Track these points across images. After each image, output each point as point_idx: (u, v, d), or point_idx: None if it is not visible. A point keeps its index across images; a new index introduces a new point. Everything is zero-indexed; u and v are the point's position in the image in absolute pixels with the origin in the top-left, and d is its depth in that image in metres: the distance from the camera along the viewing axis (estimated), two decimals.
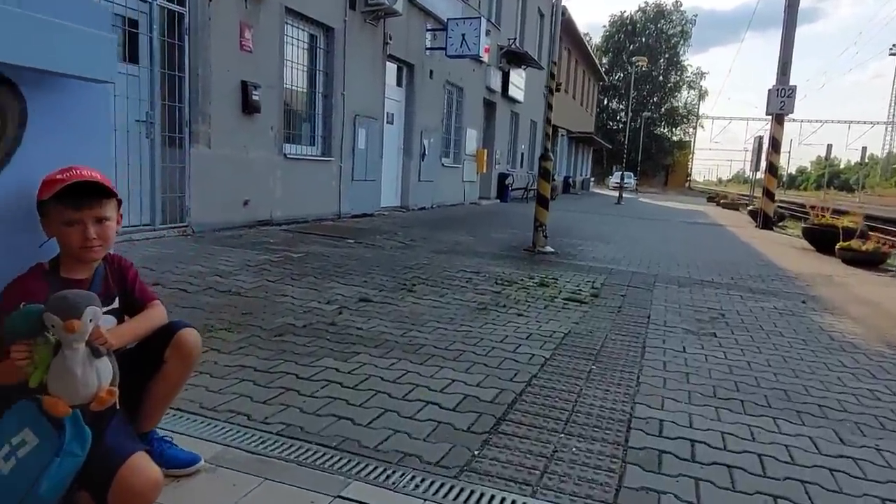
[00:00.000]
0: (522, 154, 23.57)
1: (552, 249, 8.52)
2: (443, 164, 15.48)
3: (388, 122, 12.66)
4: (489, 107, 18.87)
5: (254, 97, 8.25)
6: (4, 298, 1.67)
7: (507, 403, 2.81)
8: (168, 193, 7.26)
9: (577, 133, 33.30)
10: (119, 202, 1.83)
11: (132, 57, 6.71)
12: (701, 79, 72.42)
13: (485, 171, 18.38)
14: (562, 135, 29.56)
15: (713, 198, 36.24)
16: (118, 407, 1.64)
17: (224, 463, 1.95)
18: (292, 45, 9.46)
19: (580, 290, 5.92)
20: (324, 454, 2.15)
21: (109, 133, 1.96)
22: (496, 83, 18.48)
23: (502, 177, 20.14)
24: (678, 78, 68.84)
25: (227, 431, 2.24)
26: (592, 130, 39.87)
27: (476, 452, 2.29)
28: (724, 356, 3.95)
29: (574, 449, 2.38)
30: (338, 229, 9.21)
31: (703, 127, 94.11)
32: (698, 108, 72.40)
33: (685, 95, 70.66)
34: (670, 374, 3.49)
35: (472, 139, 17.47)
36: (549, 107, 9.21)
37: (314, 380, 2.93)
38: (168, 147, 7.19)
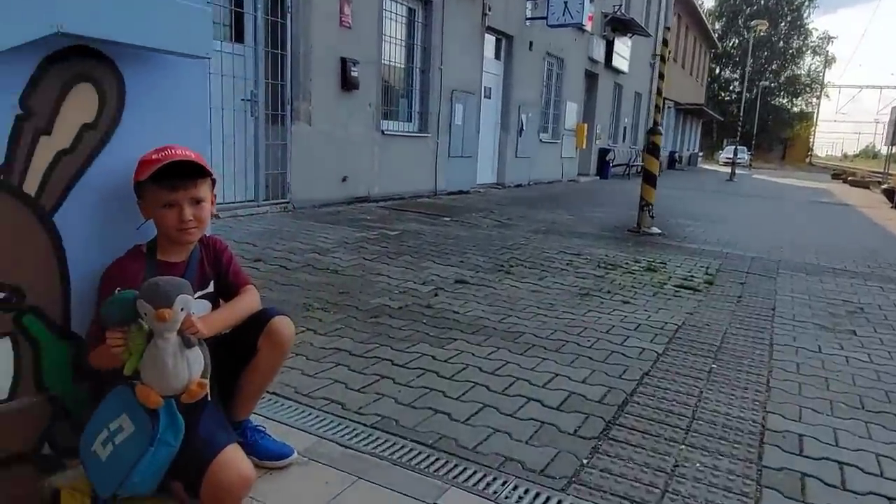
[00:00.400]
0: (625, 128, 22.44)
1: (659, 230, 7.97)
2: (540, 140, 15.00)
3: (485, 97, 12.38)
4: (591, 78, 18.03)
5: (352, 73, 8.26)
6: (104, 281, 1.64)
7: (617, 405, 2.55)
8: (271, 170, 7.45)
9: (685, 105, 31.26)
10: (213, 182, 1.75)
11: (238, 37, 6.87)
12: (828, 44, 65.41)
13: (584, 146, 17.65)
14: (668, 107, 27.87)
15: (839, 174, 32.90)
16: (209, 399, 1.57)
17: (317, 456, 1.87)
18: (390, 19, 9.37)
19: (692, 276, 5.45)
20: (419, 452, 2.02)
21: (206, 111, 1.88)
22: (599, 53, 17.58)
23: (603, 152, 19.28)
24: (801, 43, 62.66)
25: (321, 421, 2.16)
26: (702, 102, 37.33)
27: (584, 461, 2.07)
28: (869, 359, 3.44)
29: (699, 465, 2.09)
30: (434, 207, 9.13)
31: (828, 97, 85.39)
32: (823, 76, 65.88)
33: (809, 62, 64.32)
34: (805, 378, 3.06)
35: (571, 113, 16.79)
36: (661, 76, 8.55)
37: (410, 367, 2.81)
38: (271, 125, 7.36)
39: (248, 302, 1.78)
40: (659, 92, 8.58)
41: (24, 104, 1.51)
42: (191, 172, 1.65)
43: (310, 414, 2.20)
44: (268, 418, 2.08)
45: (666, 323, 3.89)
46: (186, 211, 1.64)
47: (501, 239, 6.73)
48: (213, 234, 1.89)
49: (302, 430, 2.02)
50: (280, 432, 1.97)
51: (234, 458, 1.53)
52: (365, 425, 2.18)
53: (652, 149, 8.20)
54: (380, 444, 2.03)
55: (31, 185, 1.54)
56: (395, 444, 2.05)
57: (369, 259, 5.18)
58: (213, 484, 1.48)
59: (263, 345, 1.74)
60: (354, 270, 4.75)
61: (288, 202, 7.69)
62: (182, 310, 1.46)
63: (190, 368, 1.48)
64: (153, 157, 1.64)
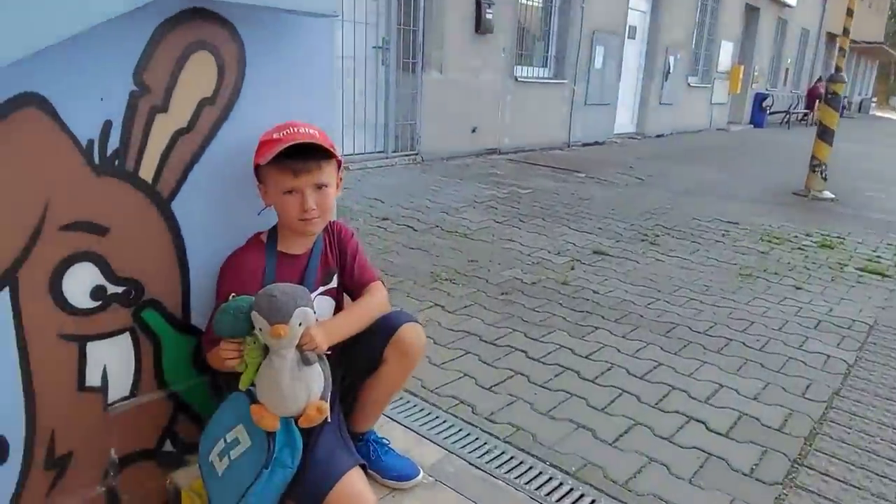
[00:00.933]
0: (787, 70, 19.82)
1: (832, 195, 6.87)
2: (689, 84, 13.59)
3: (629, 38, 11.30)
4: (751, 13, 15.92)
5: (487, 15, 7.76)
6: (223, 275, 1.48)
7: (802, 437, 2.10)
8: (401, 121, 7.30)
9: (860, 43, 26.97)
10: (339, 164, 1.52)
11: None
12: None
13: (738, 91, 15.81)
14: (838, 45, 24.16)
15: None
16: (328, 421, 1.38)
17: (444, 476, 1.65)
18: None
19: (878, 256, 4.59)
20: (560, 484, 1.73)
21: (332, 78, 1.62)
22: None
23: (759, 98, 17.17)
24: None
25: (449, 429, 1.94)
26: (881, 39, 31.98)
27: None
28: None
29: None
30: (567, 160, 8.57)
31: None
32: None
33: None
34: None
35: (726, 54, 15.01)
36: (849, 12, 7.18)
37: (546, 363, 2.51)
38: (402, 73, 7.15)
39: (375, 304, 1.56)
40: (846, 32, 7.23)
41: (139, 79, 1.34)
42: (315, 155, 1.42)
43: (437, 418, 1.99)
44: (391, 418, 1.89)
45: (854, 320, 3.24)
46: (309, 199, 1.42)
47: (643, 201, 6.11)
48: (339, 221, 1.67)
49: (428, 440, 1.81)
50: (406, 443, 1.77)
51: (354, 487, 1.35)
52: (498, 438, 1.93)
53: (831, 99, 6.99)
54: (515, 467, 1.78)
55: (147, 171, 1.39)
56: (532, 468, 1.78)
57: (500, 221, 4.88)
58: None
59: (390, 355, 1.51)
60: (484, 234, 4.48)
61: (416, 154, 7.54)
62: (300, 324, 1.25)
63: (308, 389, 1.29)
64: (274, 136, 1.42)
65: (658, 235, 4.79)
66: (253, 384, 1.33)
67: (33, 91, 1.19)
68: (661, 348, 2.72)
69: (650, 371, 2.50)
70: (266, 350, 1.29)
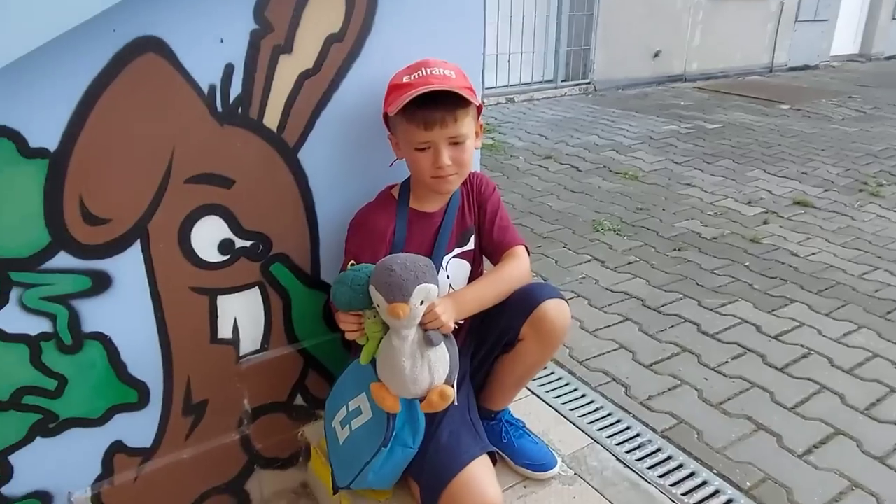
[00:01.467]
0: None
1: None
2: None
3: None
4: None
5: None
6: (351, 232, 1.36)
7: None
8: (572, 46, 6.72)
9: None
10: (479, 108, 1.29)
11: None
12: None
13: None
14: None
15: None
16: (455, 403, 1.22)
17: (586, 471, 1.44)
18: None
19: None
20: (729, 501, 1.43)
21: (480, 4, 1.36)
22: None
23: None
24: None
25: (597, 412, 1.70)
26: None
27: None
28: None
29: None
30: (768, 88, 7.36)
31: None
32: None
33: None
34: None
35: None
36: None
37: (722, 340, 2.13)
38: None
39: (515, 273, 1.34)
40: None
41: (260, 17, 1.21)
42: (450, 102, 1.21)
43: (583, 396, 1.75)
44: (531, 392, 1.70)
45: None
46: (443, 154, 1.23)
47: (864, 139, 5.03)
48: (480, 172, 1.45)
49: (570, 423, 1.60)
50: (543, 422, 1.58)
51: (479, 477, 1.20)
52: (654, 430, 1.65)
53: None
54: (672, 470, 1.50)
55: (272, 118, 1.28)
56: (693, 473, 1.50)
57: (678, 162, 4.30)
58: None
59: (528, 334, 1.31)
60: (658, 177, 3.98)
61: (589, 83, 6.96)
62: (422, 303, 1.09)
63: (432, 372, 1.14)
64: (403, 79, 1.23)
65: (882, 185, 3.90)
66: (374, 359, 1.22)
67: (150, 35, 1.11)
68: (879, 334, 2.18)
69: (861, 364, 2.01)
70: (387, 325, 1.16)
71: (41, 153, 1.06)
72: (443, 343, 1.15)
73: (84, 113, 1.08)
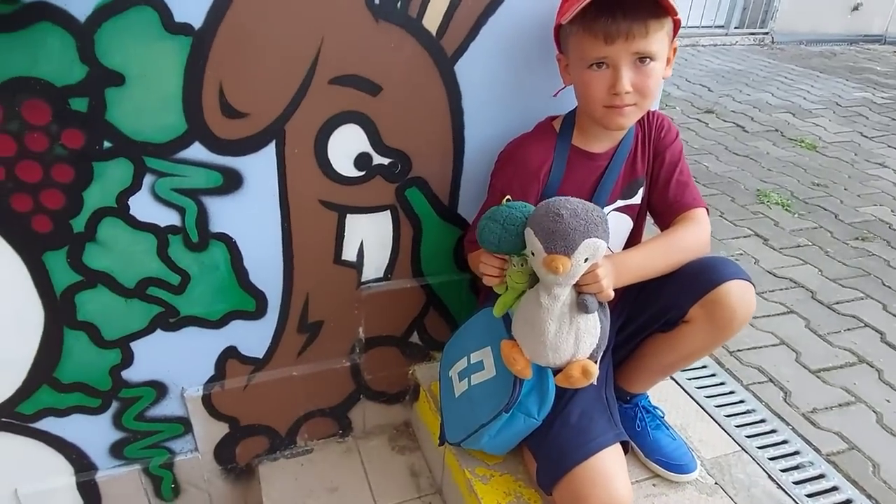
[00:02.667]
0: None
1: None
2: None
3: None
4: None
5: None
6: (501, 163, 1.18)
7: None
8: None
9: None
10: (677, 26, 1.03)
11: None
12: None
13: None
14: None
15: None
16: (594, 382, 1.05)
17: (729, 484, 1.22)
18: None
19: None
20: None
21: None
22: None
23: None
24: None
25: (747, 416, 1.43)
26: None
27: None
28: None
29: None
30: None
31: None
32: None
33: None
34: None
35: None
36: None
37: None
38: None
39: (690, 243, 1.11)
40: None
41: None
42: (641, 10, 0.96)
43: (731, 393, 1.50)
44: (671, 377, 1.47)
45: None
46: (624, 77, 0.99)
47: None
48: (661, 112, 1.21)
49: (715, 422, 1.37)
50: (682, 414, 1.37)
51: (608, 469, 1.03)
52: (818, 451, 1.38)
53: None
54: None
55: (432, 20, 1.10)
56: None
57: (868, 136, 3.66)
58: (571, 495, 1.03)
59: (698, 317, 1.08)
60: (842, 150, 3.40)
61: (767, 33, 6.12)
62: (586, 260, 0.89)
63: (577, 342, 0.96)
64: None
65: None
66: (509, 311, 1.05)
67: None
68: None
69: None
70: (534, 277, 0.98)
71: (185, 29, 0.96)
72: (597, 312, 0.96)
73: None
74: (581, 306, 0.93)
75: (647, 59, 1.00)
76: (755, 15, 6.08)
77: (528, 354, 1.00)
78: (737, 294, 1.03)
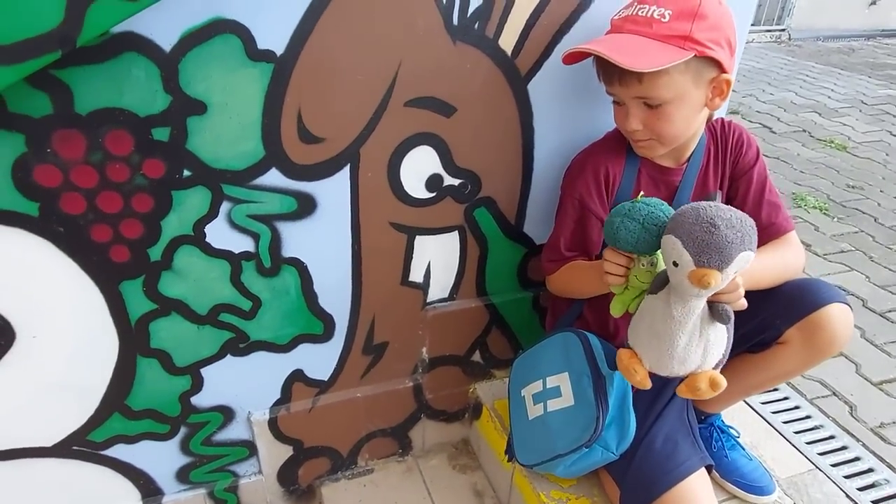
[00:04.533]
0: None
1: None
2: None
3: None
4: None
5: None
6: (575, 176, 1.15)
7: None
8: None
9: None
10: (714, 61, 0.97)
11: None
12: None
13: None
14: None
15: None
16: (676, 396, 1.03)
17: (805, 503, 1.20)
18: None
19: None
20: None
21: None
22: None
23: None
24: None
25: (816, 432, 1.41)
26: None
27: None
28: None
29: None
30: None
31: None
32: None
33: None
34: None
35: None
36: None
37: None
38: None
39: (794, 264, 1.09)
40: None
41: None
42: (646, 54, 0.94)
43: (796, 408, 1.47)
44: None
45: None
46: (631, 116, 0.99)
47: None
48: (738, 124, 1.18)
49: (785, 439, 1.35)
50: (752, 437, 1.35)
51: (697, 494, 1.03)
52: (891, 468, 1.36)
53: None
54: None
55: (508, 40, 1.09)
56: None
57: None
58: None
59: (795, 338, 1.06)
60: (873, 150, 3.37)
61: (783, 30, 6.07)
62: (735, 272, 0.83)
63: (705, 355, 0.90)
64: (614, 17, 1.00)
65: None
66: (627, 312, 0.99)
67: None
68: None
69: None
70: (660, 281, 0.92)
71: (267, 56, 0.94)
72: (728, 325, 0.92)
73: (316, 13, 0.94)
74: (719, 316, 0.87)
75: (653, 102, 0.97)
76: (771, 12, 6.04)
77: (647, 364, 0.93)
78: (838, 318, 1.01)
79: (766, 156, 3.16)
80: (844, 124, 3.74)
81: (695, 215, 0.81)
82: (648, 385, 0.94)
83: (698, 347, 0.89)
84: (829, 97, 4.25)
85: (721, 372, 1.17)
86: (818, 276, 2.13)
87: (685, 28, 0.92)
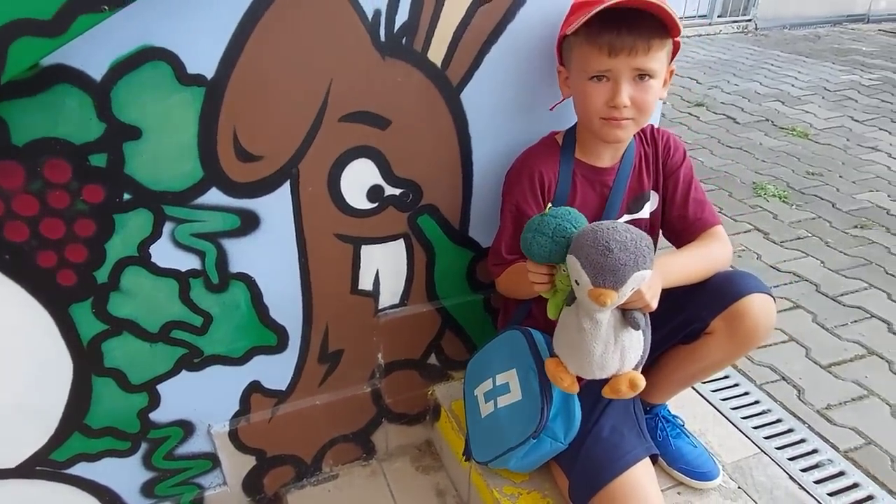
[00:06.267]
0: None
1: None
2: None
3: None
4: None
5: None
6: (513, 183, 1.19)
7: None
8: None
9: None
10: (676, 47, 1.06)
11: None
12: None
13: None
14: None
15: None
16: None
17: (752, 488, 1.25)
18: None
19: None
20: None
21: None
22: None
23: None
24: None
25: (763, 416, 1.46)
26: None
27: None
28: None
29: None
30: None
31: None
32: None
33: None
34: None
35: None
36: None
37: None
38: None
39: (720, 256, 1.14)
40: None
41: None
42: (645, 27, 0.99)
43: (746, 394, 1.52)
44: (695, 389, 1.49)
45: None
46: (623, 91, 1.02)
47: None
48: (666, 130, 1.23)
49: (732, 425, 1.39)
50: (699, 421, 1.39)
51: (642, 482, 1.07)
52: (836, 449, 1.41)
53: None
54: (861, 502, 1.27)
55: (437, 52, 1.12)
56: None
57: (859, 120, 3.70)
58: None
59: (720, 329, 1.10)
60: (834, 137, 3.44)
61: (749, 20, 6.16)
62: (632, 289, 0.89)
63: (623, 358, 0.96)
64: None
65: None
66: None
67: None
68: None
69: None
70: (572, 295, 0.97)
71: (198, 80, 0.97)
72: (642, 329, 0.97)
73: (244, 36, 0.97)
74: (630, 323, 0.93)
75: (647, 77, 1.02)
76: (737, 2, 6.12)
77: (572, 371, 0.99)
78: (759, 307, 1.06)
79: (730, 147, 3.23)
80: (807, 111, 3.82)
81: (592, 237, 0.87)
82: (576, 390, 1.00)
83: (615, 354, 0.94)
84: (793, 85, 4.33)
85: (657, 364, 1.23)
86: (775, 263, 2.18)
87: (672, 9, 0.98)
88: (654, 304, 0.95)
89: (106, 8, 0.78)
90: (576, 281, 0.90)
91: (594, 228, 0.89)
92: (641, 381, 0.95)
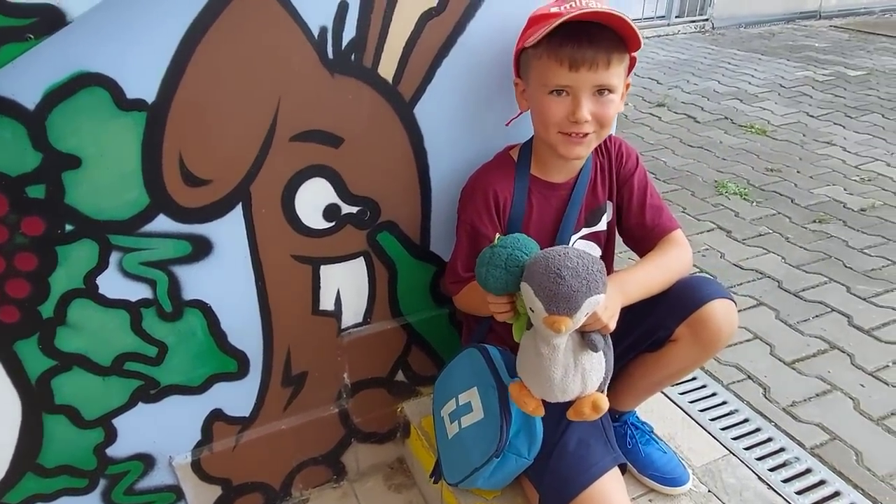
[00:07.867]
0: None
1: None
2: None
3: None
4: None
5: None
6: (467, 202, 1.18)
7: None
8: None
9: None
10: (632, 62, 1.06)
11: None
12: None
13: None
14: None
15: None
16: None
17: (721, 490, 1.25)
18: None
19: None
20: None
21: None
22: None
23: None
24: None
25: (731, 416, 1.48)
26: None
27: None
28: None
29: None
30: None
31: None
32: None
33: None
34: None
35: None
36: None
37: (881, 339, 1.83)
38: None
39: (679, 262, 1.14)
40: None
41: None
42: (605, 42, 0.99)
43: (714, 395, 1.53)
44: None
45: None
46: (583, 106, 1.01)
47: None
48: (620, 138, 1.23)
49: (700, 427, 1.40)
50: (668, 424, 1.40)
51: (610, 493, 1.06)
52: (801, 445, 1.43)
53: None
54: (828, 499, 1.27)
55: (387, 67, 1.11)
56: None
57: (815, 116, 3.79)
58: None
59: (684, 336, 1.10)
60: (791, 133, 3.51)
61: (706, 20, 6.28)
62: (587, 314, 0.89)
63: (585, 381, 0.95)
64: (552, 9, 1.02)
65: None
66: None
67: None
68: None
69: None
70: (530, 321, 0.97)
71: (138, 105, 0.95)
72: (602, 350, 0.97)
73: (184, 58, 0.95)
74: (588, 345, 0.92)
75: (606, 91, 1.02)
76: (693, 3, 6.24)
77: (536, 394, 0.98)
78: (721, 313, 1.06)
79: (690, 146, 3.27)
80: (764, 108, 3.90)
81: (544, 265, 0.87)
82: (542, 413, 0.99)
83: (576, 377, 0.93)
84: (750, 83, 4.42)
85: (624, 372, 1.23)
86: (737, 261, 2.21)
87: (634, 26, 0.98)
88: (613, 325, 0.95)
89: (31, 37, 0.75)
90: (531, 308, 0.90)
91: (546, 256, 0.89)
92: (604, 403, 0.95)
